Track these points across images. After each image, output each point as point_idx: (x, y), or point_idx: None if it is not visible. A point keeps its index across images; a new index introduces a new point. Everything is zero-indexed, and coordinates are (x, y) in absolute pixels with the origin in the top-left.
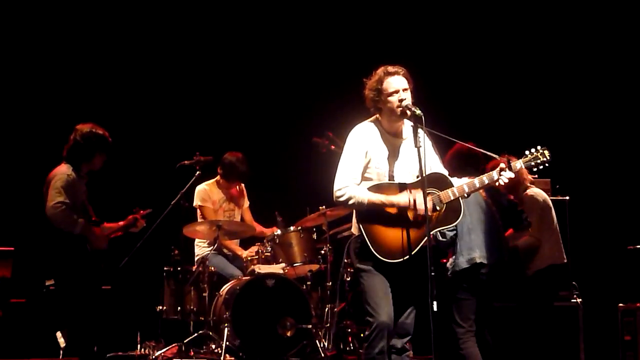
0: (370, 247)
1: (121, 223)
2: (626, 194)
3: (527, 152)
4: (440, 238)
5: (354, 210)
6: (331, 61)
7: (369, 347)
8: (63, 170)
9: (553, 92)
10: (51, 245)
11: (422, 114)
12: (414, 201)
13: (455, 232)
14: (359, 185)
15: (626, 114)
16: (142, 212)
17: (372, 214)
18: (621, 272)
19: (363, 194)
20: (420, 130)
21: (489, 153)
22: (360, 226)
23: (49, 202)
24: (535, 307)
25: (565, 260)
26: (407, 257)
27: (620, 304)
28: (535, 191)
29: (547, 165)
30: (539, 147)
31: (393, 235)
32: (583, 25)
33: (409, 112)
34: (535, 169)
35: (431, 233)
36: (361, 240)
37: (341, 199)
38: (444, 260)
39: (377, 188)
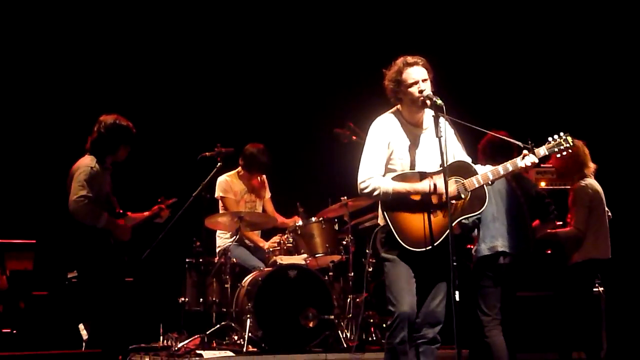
0: (396, 236)
1: (146, 213)
2: None
3: (550, 139)
4: (463, 221)
5: (379, 201)
6: (352, 51)
7: (390, 336)
8: (86, 163)
9: (568, 81)
10: (75, 238)
11: (443, 103)
12: (435, 185)
13: (478, 217)
14: (383, 176)
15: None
16: (167, 202)
17: (397, 203)
18: None
19: (388, 184)
20: (441, 120)
21: (516, 142)
22: (386, 216)
23: (71, 195)
24: (569, 298)
25: (610, 256)
26: (432, 246)
27: None
28: (588, 182)
29: (570, 151)
30: (561, 134)
31: (418, 224)
32: (607, 14)
33: (429, 102)
34: (558, 155)
35: (458, 221)
36: (387, 230)
37: (366, 191)
38: (470, 246)
39: (402, 177)
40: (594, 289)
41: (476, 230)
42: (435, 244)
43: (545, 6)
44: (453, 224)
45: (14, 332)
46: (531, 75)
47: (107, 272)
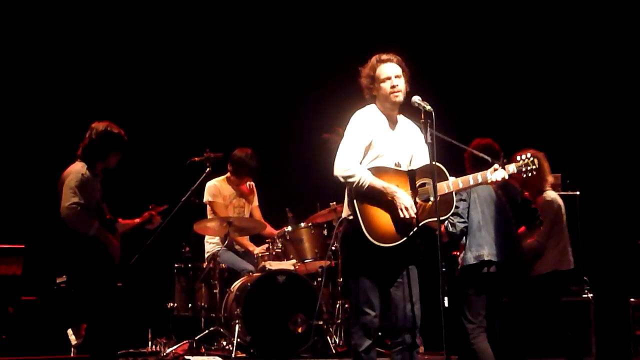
0: (364, 229)
1: (137, 220)
2: (636, 188)
3: (518, 158)
4: (450, 229)
5: (349, 191)
6: (340, 57)
7: (356, 345)
8: (77, 169)
9: (563, 86)
10: (65, 243)
11: (432, 109)
12: (411, 206)
13: (465, 224)
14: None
15: (637, 108)
16: (158, 208)
17: (368, 197)
18: (632, 267)
19: (366, 176)
20: (407, 124)
21: (479, 154)
22: (356, 206)
23: (63, 202)
24: (536, 308)
25: (572, 267)
26: (398, 243)
27: (632, 299)
28: (551, 195)
29: (534, 173)
30: (529, 155)
31: (387, 220)
32: (595, 19)
33: (420, 107)
34: (524, 176)
35: (423, 223)
36: (354, 224)
37: (345, 175)
38: (455, 252)
39: (377, 171)
40: (583, 295)
41: (464, 238)
42: (400, 242)
43: (529, 14)
44: (422, 223)
45: (3, 337)
46: (517, 82)
47: (97, 277)
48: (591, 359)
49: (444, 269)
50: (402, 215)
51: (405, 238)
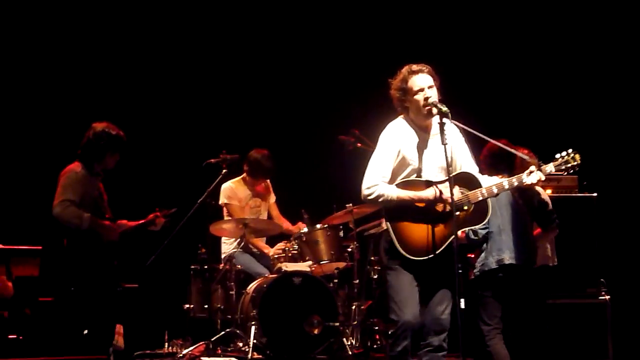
0: (397, 245)
1: (140, 222)
2: None
3: (557, 156)
4: (472, 236)
5: (381, 206)
6: (357, 58)
7: (393, 345)
8: (72, 168)
9: (581, 88)
10: (66, 244)
11: (448, 111)
12: (441, 193)
13: (487, 230)
14: (389, 182)
15: None
16: (165, 211)
17: (400, 211)
18: None
19: (392, 191)
20: (448, 127)
21: (518, 154)
22: (388, 224)
23: (55, 200)
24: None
25: (556, 262)
26: (433, 255)
27: None
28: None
29: (577, 169)
30: (570, 151)
31: (420, 233)
32: (613, 22)
33: (435, 110)
34: (565, 173)
35: (463, 230)
36: (389, 238)
37: (370, 197)
38: (470, 255)
39: (406, 184)
40: (600, 297)
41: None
42: (436, 253)
43: (551, 15)
44: (457, 232)
45: (20, 338)
46: (536, 85)
47: (97, 278)
48: None
49: (460, 271)
50: (440, 209)
51: (441, 249)
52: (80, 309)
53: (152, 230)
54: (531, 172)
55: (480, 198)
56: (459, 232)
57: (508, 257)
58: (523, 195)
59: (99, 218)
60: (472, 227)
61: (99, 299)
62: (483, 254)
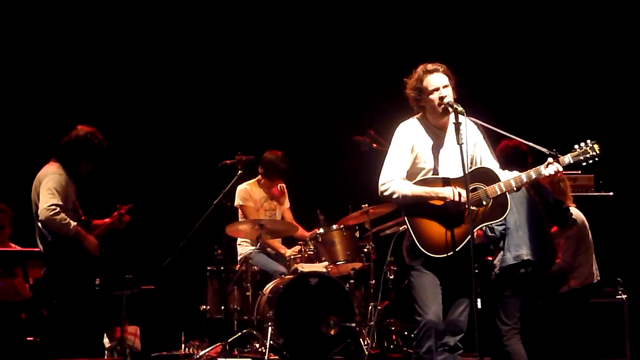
0: (416, 242)
1: (107, 220)
2: None
3: (576, 147)
4: (490, 233)
5: (401, 206)
6: (372, 59)
7: (417, 345)
8: (53, 170)
9: (598, 85)
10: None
11: (463, 110)
12: (458, 193)
13: (504, 227)
14: (404, 180)
15: None
16: (124, 207)
17: (417, 209)
18: None
19: (407, 188)
20: (464, 125)
21: (537, 147)
22: (407, 221)
23: (42, 203)
24: (565, 318)
25: (598, 279)
26: (452, 252)
27: None
28: (575, 212)
29: (596, 159)
30: (588, 142)
31: (439, 230)
32: (634, 18)
33: (450, 109)
34: (584, 164)
35: (479, 228)
36: (410, 236)
37: (385, 194)
38: (490, 258)
39: (423, 182)
40: (617, 296)
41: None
42: (455, 251)
43: (566, 11)
44: (475, 230)
45: (37, 340)
46: (554, 82)
47: (73, 277)
48: None
49: (476, 271)
50: (456, 207)
51: (460, 246)
52: (101, 310)
53: (118, 229)
54: (549, 163)
55: (499, 192)
56: (476, 230)
57: (526, 253)
58: (539, 193)
59: (80, 224)
60: (489, 224)
61: (80, 302)
62: (501, 252)
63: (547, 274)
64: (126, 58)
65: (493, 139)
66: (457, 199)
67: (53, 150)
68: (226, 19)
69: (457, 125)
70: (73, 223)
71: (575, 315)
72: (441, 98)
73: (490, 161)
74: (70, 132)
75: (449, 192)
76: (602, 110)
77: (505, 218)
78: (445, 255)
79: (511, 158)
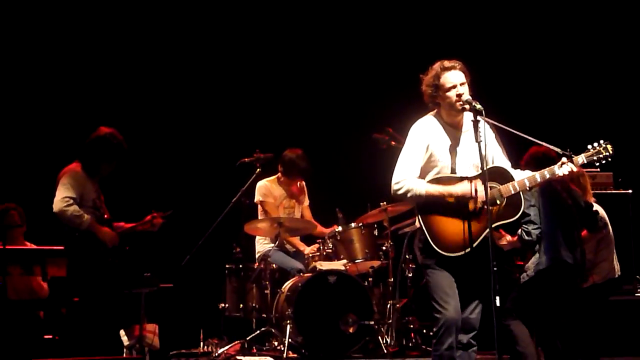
0: (430, 241)
1: (133, 224)
2: None
3: (589, 147)
4: (526, 237)
5: (413, 203)
6: (390, 56)
7: (437, 343)
8: (71, 168)
9: (615, 83)
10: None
11: (482, 108)
12: (475, 191)
13: (539, 229)
14: (418, 178)
15: None
16: (161, 213)
17: (431, 207)
18: None
19: (421, 186)
20: (480, 124)
21: (551, 147)
22: (420, 219)
23: (56, 197)
24: (586, 314)
25: (619, 274)
26: (467, 251)
27: None
28: (596, 208)
29: (609, 160)
30: (601, 142)
31: (453, 229)
32: None
33: (468, 107)
34: (597, 164)
35: (516, 234)
36: (423, 235)
37: (399, 192)
38: (520, 263)
39: (437, 181)
40: (636, 294)
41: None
42: (469, 250)
43: (582, 10)
44: (492, 226)
45: (56, 338)
46: (569, 80)
47: (93, 275)
48: None
49: (495, 269)
50: (471, 207)
51: (474, 245)
52: (89, 311)
53: (150, 231)
54: (563, 163)
55: (512, 192)
56: (510, 237)
57: (564, 256)
58: (571, 196)
59: (98, 220)
60: (525, 228)
61: (102, 301)
62: (536, 255)
63: (582, 277)
64: (147, 60)
65: (506, 139)
66: (471, 192)
67: (78, 152)
68: (246, 18)
69: (476, 123)
70: (87, 216)
71: (597, 310)
72: (459, 95)
73: (503, 160)
74: (92, 134)
75: (465, 189)
76: (619, 109)
77: (538, 225)
78: (459, 254)
79: (542, 163)
